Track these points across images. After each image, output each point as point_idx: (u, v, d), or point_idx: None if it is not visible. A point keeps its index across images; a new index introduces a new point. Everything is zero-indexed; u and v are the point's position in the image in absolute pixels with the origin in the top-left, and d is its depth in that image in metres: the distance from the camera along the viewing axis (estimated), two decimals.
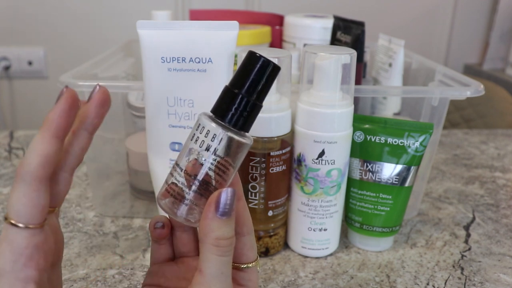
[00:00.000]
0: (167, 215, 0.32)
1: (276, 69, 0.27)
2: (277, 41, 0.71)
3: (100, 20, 1.41)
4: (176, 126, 0.40)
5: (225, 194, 0.26)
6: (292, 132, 0.45)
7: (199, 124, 0.28)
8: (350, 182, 0.48)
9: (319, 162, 0.43)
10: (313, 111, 0.42)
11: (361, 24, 0.56)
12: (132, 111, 0.58)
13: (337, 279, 0.44)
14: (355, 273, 0.46)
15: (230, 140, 0.27)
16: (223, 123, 0.27)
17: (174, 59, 0.39)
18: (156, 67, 0.39)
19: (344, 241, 0.51)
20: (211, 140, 0.27)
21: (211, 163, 0.27)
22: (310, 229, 0.46)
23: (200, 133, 0.27)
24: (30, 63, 1.44)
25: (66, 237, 0.50)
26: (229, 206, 0.26)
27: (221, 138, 0.27)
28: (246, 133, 0.28)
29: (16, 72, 1.45)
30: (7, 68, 1.44)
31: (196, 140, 0.27)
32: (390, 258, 0.48)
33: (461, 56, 1.59)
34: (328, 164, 0.43)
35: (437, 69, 0.57)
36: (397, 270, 0.46)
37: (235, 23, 0.38)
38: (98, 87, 0.27)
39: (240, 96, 0.27)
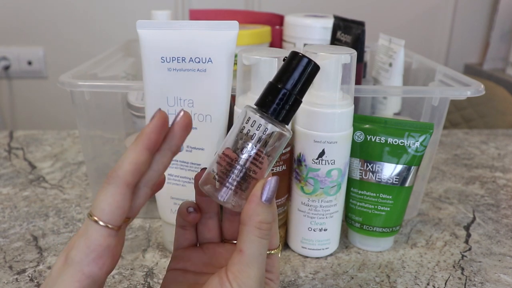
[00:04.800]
0: (193, 201, 0.34)
1: (316, 68, 0.31)
2: (277, 41, 0.71)
3: (100, 20, 1.41)
4: None
5: (270, 181, 0.29)
6: (292, 132, 0.44)
7: (245, 115, 0.31)
8: (350, 182, 0.48)
9: (319, 162, 0.43)
10: (313, 111, 0.42)
11: (361, 24, 0.56)
12: (132, 111, 0.58)
13: (337, 279, 0.44)
14: (355, 273, 0.45)
15: (272, 131, 0.30)
16: (267, 115, 0.30)
17: (174, 59, 0.38)
18: (156, 67, 0.39)
19: (344, 241, 0.51)
20: (256, 130, 0.30)
21: (253, 152, 0.30)
22: (310, 229, 0.46)
23: (246, 123, 0.30)
24: (29, 63, 1.44)
25: (66, 237, 0.50)
26: (272, 193, 0.29)
27: (265, 129, 0.30)
28: (286, 126, 0.31)
29: (15, 72, 1.45)
30: (6, 68, 1.44)
31: (242, 130, 0.30)
32: (390, 258, 0.48)
33: (462, 56, 1.59)
34: (328, 164, 0.43)
35: (437, 69, 0.57)
36: (397, 270, 0.46)
37: (235, 23, 0.38)
38: (182, 112, 0.29)
39: (284, 91, 0.30)
